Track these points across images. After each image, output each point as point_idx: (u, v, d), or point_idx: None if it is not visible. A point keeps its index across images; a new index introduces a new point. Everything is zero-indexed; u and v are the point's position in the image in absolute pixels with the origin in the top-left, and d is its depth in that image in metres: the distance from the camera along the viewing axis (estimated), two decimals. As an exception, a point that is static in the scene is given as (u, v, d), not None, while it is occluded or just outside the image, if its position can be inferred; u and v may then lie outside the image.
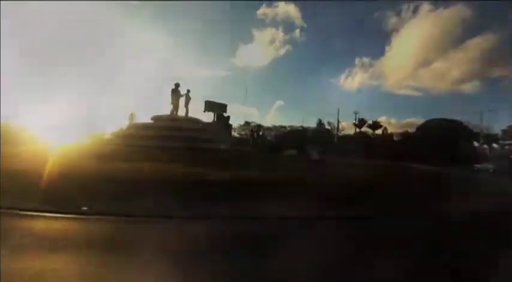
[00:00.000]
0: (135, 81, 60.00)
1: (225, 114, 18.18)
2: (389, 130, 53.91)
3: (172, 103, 17.54)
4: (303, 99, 77.07)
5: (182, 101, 17.69)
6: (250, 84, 73.88)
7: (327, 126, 57.10)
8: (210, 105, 50.70)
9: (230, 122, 28.27)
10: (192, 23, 74.63)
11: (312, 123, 55.93)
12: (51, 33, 60.94)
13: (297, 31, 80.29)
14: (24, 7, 57.59)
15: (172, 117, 17.06)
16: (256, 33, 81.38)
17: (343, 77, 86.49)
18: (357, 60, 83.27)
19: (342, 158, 20.98)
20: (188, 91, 18.49)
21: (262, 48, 73.82)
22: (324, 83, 76.48)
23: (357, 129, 57.89)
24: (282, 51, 76.69)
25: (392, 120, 66.03)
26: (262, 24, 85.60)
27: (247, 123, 52.43)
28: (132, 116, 22.51)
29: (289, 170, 9.56)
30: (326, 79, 79.11)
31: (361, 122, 56.94)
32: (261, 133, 23.42)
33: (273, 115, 74.76)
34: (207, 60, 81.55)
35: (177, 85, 17.57)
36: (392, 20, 76.55)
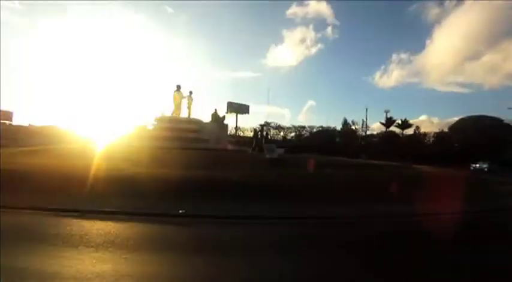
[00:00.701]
0: (167, 84, 63.21)
1: (221, 114, 18.07)
2: (431, 129, 49.46)
3: (174, 104, 17.99)
4: (335, 99, 74.54)
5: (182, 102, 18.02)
6: (281, 85, 73.13)
7: (353, 126, 55.04)
8: (232, 106, 51.47)
9: (253, 123, 28.66)
10: (222, 27, 76.29)
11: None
12: (85, 40, 66.21)
13: (329, 29, 77.97)
14: (68, 20, 63.21)
15: (172, 119, 17.47)
16: (286, 33, 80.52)
17: (378, 74, 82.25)
18: (393, 56, 78.15)
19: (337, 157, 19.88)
20: (190, 92, 18.81)
21: (293, 47, 72.77)
22: (357, 82, 73.06)
23: (386, 129, 54.94)
24: (314, 50, 74.97)
25: (435, 120, 60.42)
26: (292, 23, 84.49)
27: (267, 124, 52.22)
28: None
29: (230, 168, 9.32)
30: (359, 77, 75.59)
31: (389, 121, 53.75)
32: (265, 134, 23.00)
33: (305, 115, 73.22)
34: (237, 62, 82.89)
35: (178, 86, 17.95)
36: (434, 11, 70.47)
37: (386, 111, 52.12)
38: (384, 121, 53.98)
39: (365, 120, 50.54)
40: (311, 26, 76.64)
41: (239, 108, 52.39)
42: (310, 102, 77.31)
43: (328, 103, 74.58)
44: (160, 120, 17.51)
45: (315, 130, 46.68)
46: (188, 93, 18.78)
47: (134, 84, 69.71)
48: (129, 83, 72.10)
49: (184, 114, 18.65)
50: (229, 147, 19.39)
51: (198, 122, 17.26)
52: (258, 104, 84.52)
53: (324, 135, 45.11)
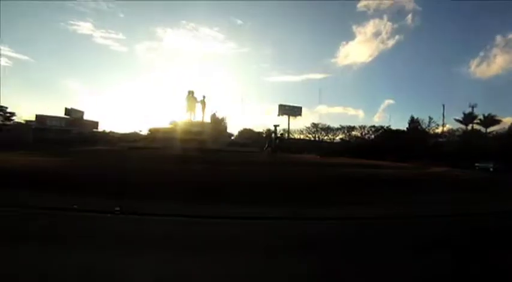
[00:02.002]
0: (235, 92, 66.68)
1: (220, 117, 18.50)
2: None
3: (187, 108, 19.41)
4: (419, 95, 64.27)
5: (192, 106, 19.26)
6: (354, 84, 67.90)
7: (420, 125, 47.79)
8: (283, 109, 51.36)
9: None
10: (290, 31, 75.92)
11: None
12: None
13: (409, 17, 68.28)
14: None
15: (186, 122, 18.86)
16: (357, 28, 74.13)
17: (474, 62, 67.77)
18: (498, 39, 63.16)
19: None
20: (204, 97, 19.97)
21: (365, 43, 66.47)
22: (446, 74, 61.34)
23: (466, 127, 45.73)
24: (391, 43, 66.12)
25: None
26: (364, 17, 77.20)
27: (314, 125, 50.19)
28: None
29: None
30: (449, 68, 63.42)
31: (468, 118, 44.56)
32: (279, 135, 22.44)
33: (381, 115, 66.64)
34: (306, 65, 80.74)
35: (191, 92, 19.31)
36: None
37: (473, 106, 43.19)
38: (461, 118, 45.14)
39: (432, 117, 43.22)
40: (385, 17, 67.71)
41: (291, 111, 51.98)
42: (388, 101, 68.92)
43: (411, 101, 64.59)
44: (174, 123, 19.16)
45: (366, 130, 42.32)
46: (202, 98, 20.03)
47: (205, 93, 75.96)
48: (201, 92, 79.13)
49: (198, 117, 19.97)
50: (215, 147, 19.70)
51: (204, 124, 18.19)
52: (329, 106, 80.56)
53: (376, 135, 40.50)
